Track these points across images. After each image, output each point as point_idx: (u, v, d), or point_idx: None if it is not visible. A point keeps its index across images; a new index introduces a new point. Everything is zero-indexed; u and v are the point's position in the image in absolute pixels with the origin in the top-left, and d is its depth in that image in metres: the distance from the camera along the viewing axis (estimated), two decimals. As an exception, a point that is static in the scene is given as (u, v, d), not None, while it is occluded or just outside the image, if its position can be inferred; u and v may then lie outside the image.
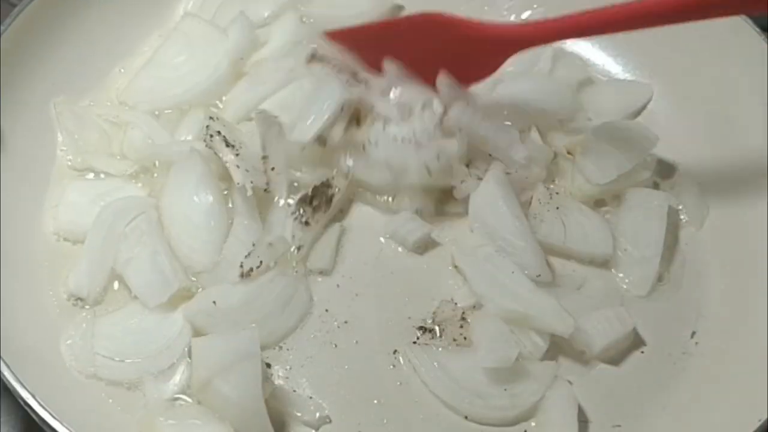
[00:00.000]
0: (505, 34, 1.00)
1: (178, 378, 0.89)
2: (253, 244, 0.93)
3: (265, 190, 0.99)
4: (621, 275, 1.00)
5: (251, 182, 0.96)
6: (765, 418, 0.84)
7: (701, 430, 0.89)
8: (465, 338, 0.92)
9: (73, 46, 1.10)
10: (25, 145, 1.03)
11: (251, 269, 0.92)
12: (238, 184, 0.95)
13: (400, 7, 1.22)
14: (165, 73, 1.11)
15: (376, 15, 1.19)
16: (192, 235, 0.96)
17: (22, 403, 0.81)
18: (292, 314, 0.94)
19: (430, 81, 1.02)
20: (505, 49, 1.00)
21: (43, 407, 0.80)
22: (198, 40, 1.12)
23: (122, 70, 1.13)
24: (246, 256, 0.93)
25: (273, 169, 0.99)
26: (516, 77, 1.14)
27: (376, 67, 1.05)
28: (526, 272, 0.94)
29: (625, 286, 0.99)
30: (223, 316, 0.91)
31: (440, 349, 0.92)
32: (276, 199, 1.00)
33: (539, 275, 0.95)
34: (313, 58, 1.07)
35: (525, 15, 1.21)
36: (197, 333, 0.91)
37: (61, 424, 0.79)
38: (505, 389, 0.89)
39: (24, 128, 1.03)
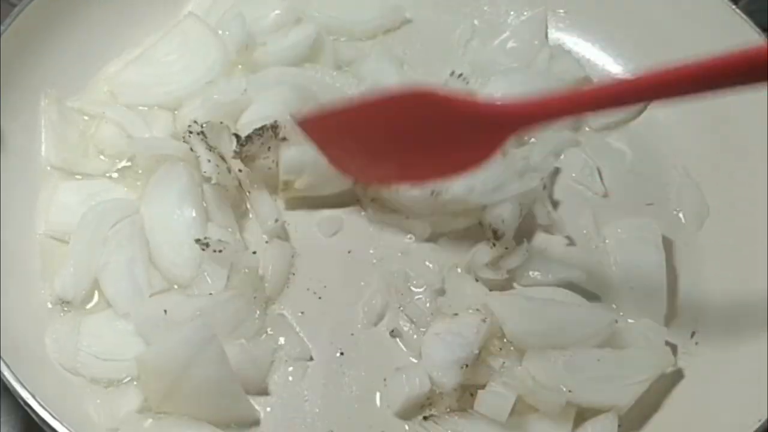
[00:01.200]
0: (503, 113, 0.83)
1: None
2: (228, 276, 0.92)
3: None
4: (634, 321, 0.96)
5: (218, 174, 0.95)
6: (765, 418, 0.84)
7: (701, 430, 0.89)
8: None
9: (74, 46, 1.10)
10: (23, 145, 1.03)
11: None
12: (205, 172, 0.95)
13: (408, 21, 1.21)
14: (154, 70, 1.10)
15: (383, 24, 1.20)
16: (173, 248, 0.95)
17: (22, 403, 0.81)
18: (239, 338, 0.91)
19: (415, 169, 0.92)
20: (503, 130, 0.84)
21: (43, 407, 0.80)
22: (193, 42, 1.11)
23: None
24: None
25: (240, 170, 0.98)
26: (509, 71, 1.14)
27: (351, 162, 0.96)
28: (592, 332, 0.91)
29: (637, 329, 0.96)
30: (170, 326, 0.88)
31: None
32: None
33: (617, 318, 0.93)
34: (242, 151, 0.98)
35: (525, 15, 1.22)
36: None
37: (61, 424, 0.79)
38: None
39: (23, 128, 1.03)
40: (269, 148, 0.98)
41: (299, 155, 0.98)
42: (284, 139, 0.98)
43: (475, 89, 1.10)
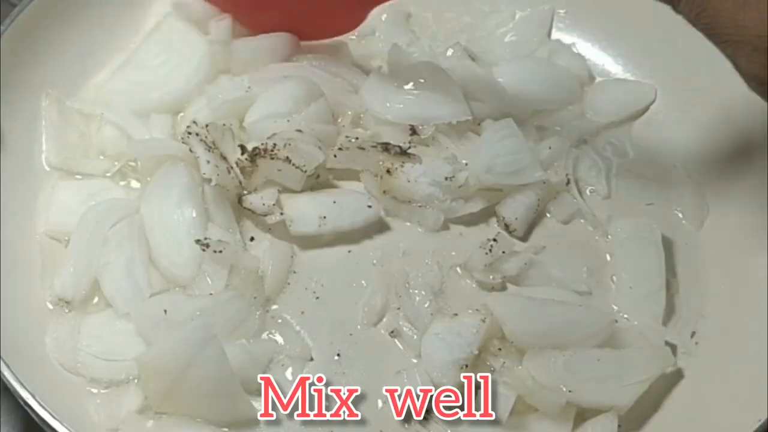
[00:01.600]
0: None
1: None
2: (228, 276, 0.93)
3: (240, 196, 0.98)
4: (634, 322, 0.96)
5: (218, 174, 0.95)
6: (765, 418, 0.84)
7: (701, 430, 0.89)
8: None
9: (74, 46, 1.10)
10: (23, 145, 1.03)
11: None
12: (204, 174, 0.95)
13: (408, 15, 1.22)
14: (141, 77, 1.09)
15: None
16: (173, 248, 0.95)
17: (22, 403, 0.81)
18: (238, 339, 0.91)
19: (296, 27, 1.08)
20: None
21: (43, 407, 0.80)
22: (177, 43, 1.10)
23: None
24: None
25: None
26: (514, 61, 1.14)
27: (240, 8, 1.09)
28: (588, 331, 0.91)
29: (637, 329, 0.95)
30: (170, 327, 0.88)
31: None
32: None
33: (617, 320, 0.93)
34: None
35: (525, 12, 1.22)
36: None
37: (61, 424, 0.79)
38: None
39: (23, 128, 1.03)
40: (274, 204, 0.97)
41: (308, 212, 0.98)
42: (288, 159, 0.96)
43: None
